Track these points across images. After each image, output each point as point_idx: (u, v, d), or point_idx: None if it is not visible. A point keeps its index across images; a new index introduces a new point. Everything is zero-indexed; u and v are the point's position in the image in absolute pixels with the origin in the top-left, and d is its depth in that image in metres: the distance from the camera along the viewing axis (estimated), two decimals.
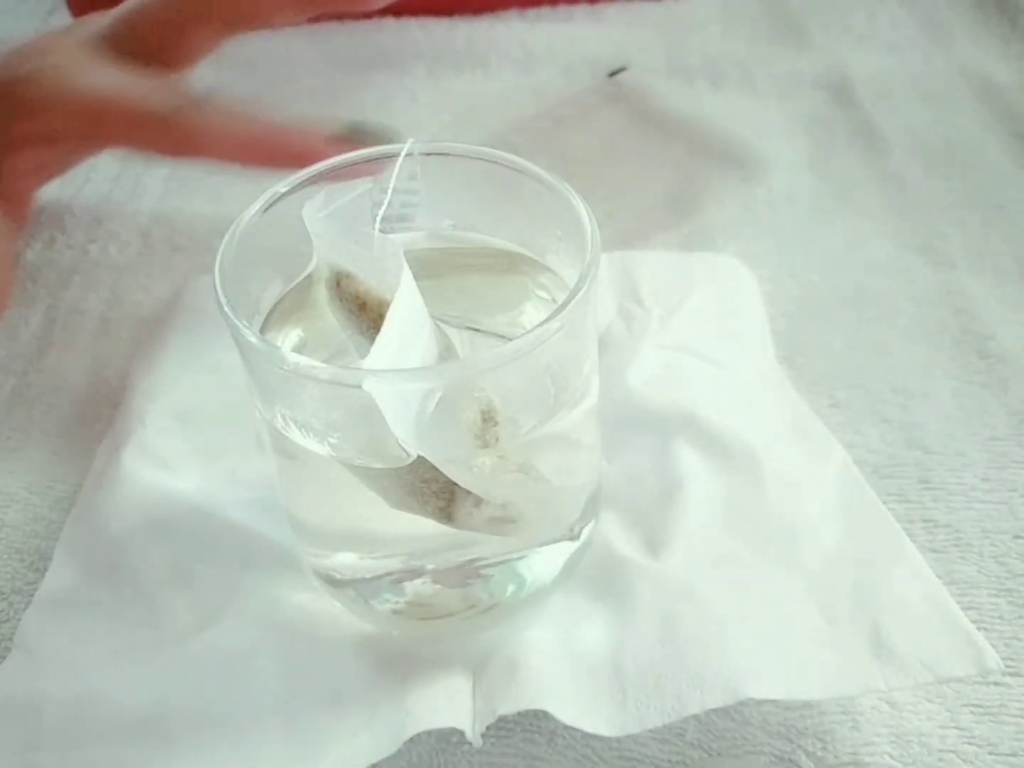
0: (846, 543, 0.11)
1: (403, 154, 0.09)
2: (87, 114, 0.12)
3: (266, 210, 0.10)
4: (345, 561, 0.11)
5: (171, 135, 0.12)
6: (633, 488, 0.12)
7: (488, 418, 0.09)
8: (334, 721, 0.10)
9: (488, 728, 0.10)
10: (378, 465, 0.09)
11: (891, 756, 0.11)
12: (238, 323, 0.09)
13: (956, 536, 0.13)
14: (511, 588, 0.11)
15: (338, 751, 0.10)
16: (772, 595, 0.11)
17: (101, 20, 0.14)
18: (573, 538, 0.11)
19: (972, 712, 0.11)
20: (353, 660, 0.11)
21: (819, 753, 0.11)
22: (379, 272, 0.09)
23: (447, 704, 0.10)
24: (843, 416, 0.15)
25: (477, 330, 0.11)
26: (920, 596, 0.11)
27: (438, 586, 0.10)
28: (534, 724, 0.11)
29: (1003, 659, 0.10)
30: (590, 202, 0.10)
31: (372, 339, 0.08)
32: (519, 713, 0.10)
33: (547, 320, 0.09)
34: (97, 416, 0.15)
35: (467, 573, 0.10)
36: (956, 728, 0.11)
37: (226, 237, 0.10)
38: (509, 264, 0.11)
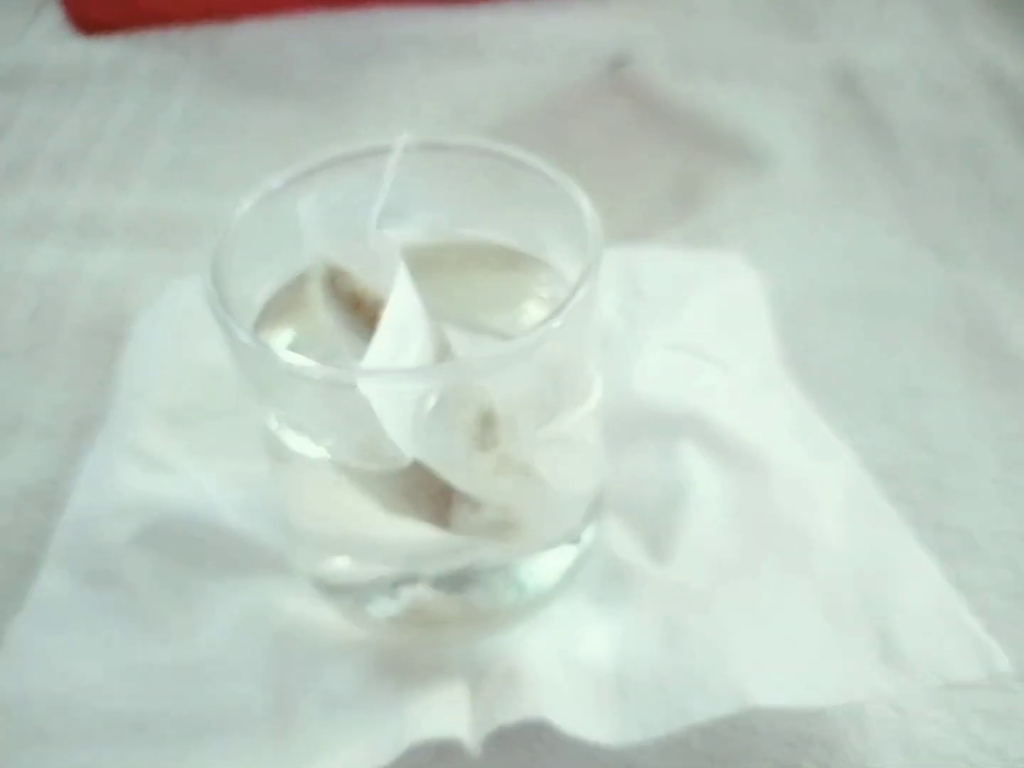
0: (854, 546, 0.11)
1: (399, 148, 0.09)
2: None
3: (259, 205, 0.10)
4: (340, 566, 0.11)
5: None
6: (636, 491, 0.12)
7: (487, 420, 0.09)
8: (330, 730, 0.10)
9: (487, 737, 0.10)
10: (374, 468, 0.09)
11: (899, 764, 0.11)
12: (230, 322, 0.09)
13: (966, 539, 0.13)
14: (511, 594, 0.11)
15: (334, 761, 0.09)
16: (778, 600, 0.11)
17: None
18: (575, 542, 0.11)
19: (981, 718, 0.11)
20: (349, 668, 0.10)
21: (826, 761, 0.11)
22: (375, 270, 0.09)
23: (445, 713, 0.10)
24: (850, 417, 0.15)
25: (476, 329, 0.10)
26: (929, 600, 0.11)
27: (436, 592, 0.10)
28: (534, 734, 0.11)
29: (1013, 664, 0.10)
30: (592, 196, 0.09)
31: (367, 338, 0.08)
32: (519, 723, 0.10)
33: (548, 319, 0.08)
34: (88, 416, 0.15)
35: (465, 578, 0.10)
36: (965, 734, 0.11)
37: (218, 233, 0.09)
38: (509, 261, 0.11)
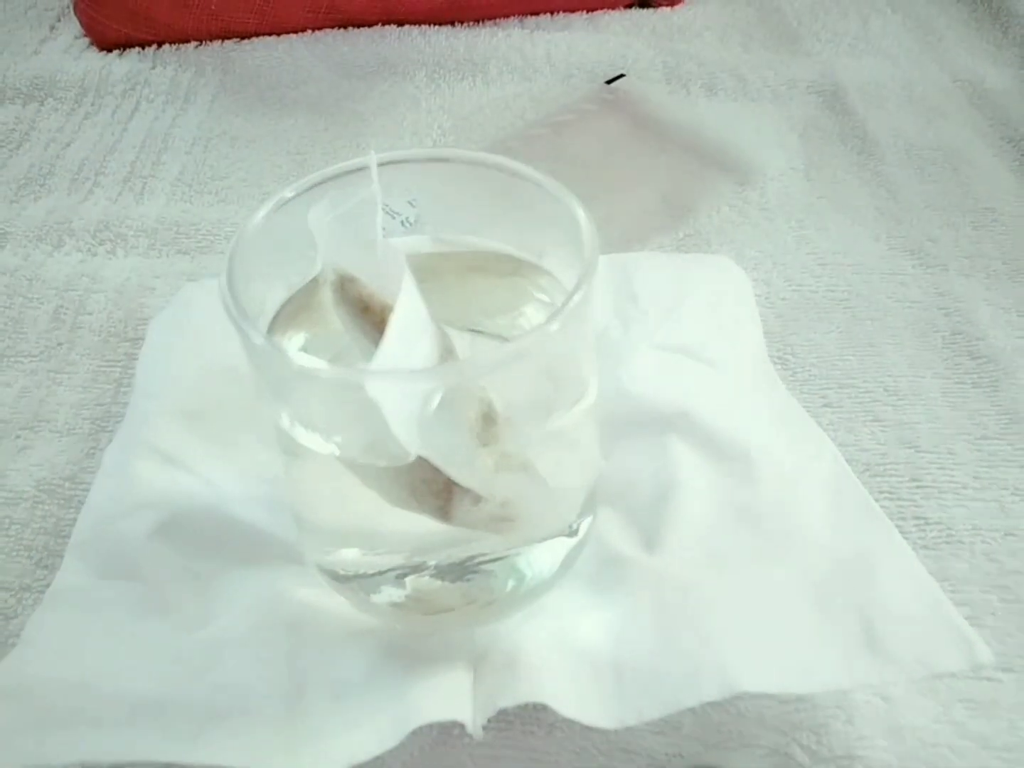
0: (839, 540, 0.12)
1: (374, 165, 0.09)
2: None
3: (272, 214, 0.10)
4: (348, 557, 0.11)
5: None
6: (630, 486, 0.12)
7: (488, 418, 0.09)
8: (337, 714, 0.10)
9: (488, 721, 0.10)
10: (380, 464, 0.09)
11: (884, 750, 0.11)
12: (245, 325, 0.09)
13: (948, 533, 0.13)
14: (510, 583, 0.11)
15: (341, 743, 0.10)
16: (766, 590, 0.11)
17: None
18: (571, 534, 0.11)
19: (965, 707, 0.11)
20: (356, 654, 0.11)
21: (813, 746, 0.11)
22: (382, 277, 0.09)
23: (448, 697, 0.10)
24: (835, 415, 0.15)
25: (478, 332, 0.11)
26: (912, 592, 0.11)
27: (439, 581, 0.11)
28: (533, 717, 0.11)
29: (995, 654, 0.10)
30: (588, 206, 0.10)
31: (375, 341, 0.09)
32: (519, 706, 0.10)
33: (546, 322, 0.09)
34: (105, 415, 0.15)
35: (467, 569, 0.10)
36: (949, 722, 0.11)
37: (232, 240, 0.10)
38: (509, 267, 0.11)
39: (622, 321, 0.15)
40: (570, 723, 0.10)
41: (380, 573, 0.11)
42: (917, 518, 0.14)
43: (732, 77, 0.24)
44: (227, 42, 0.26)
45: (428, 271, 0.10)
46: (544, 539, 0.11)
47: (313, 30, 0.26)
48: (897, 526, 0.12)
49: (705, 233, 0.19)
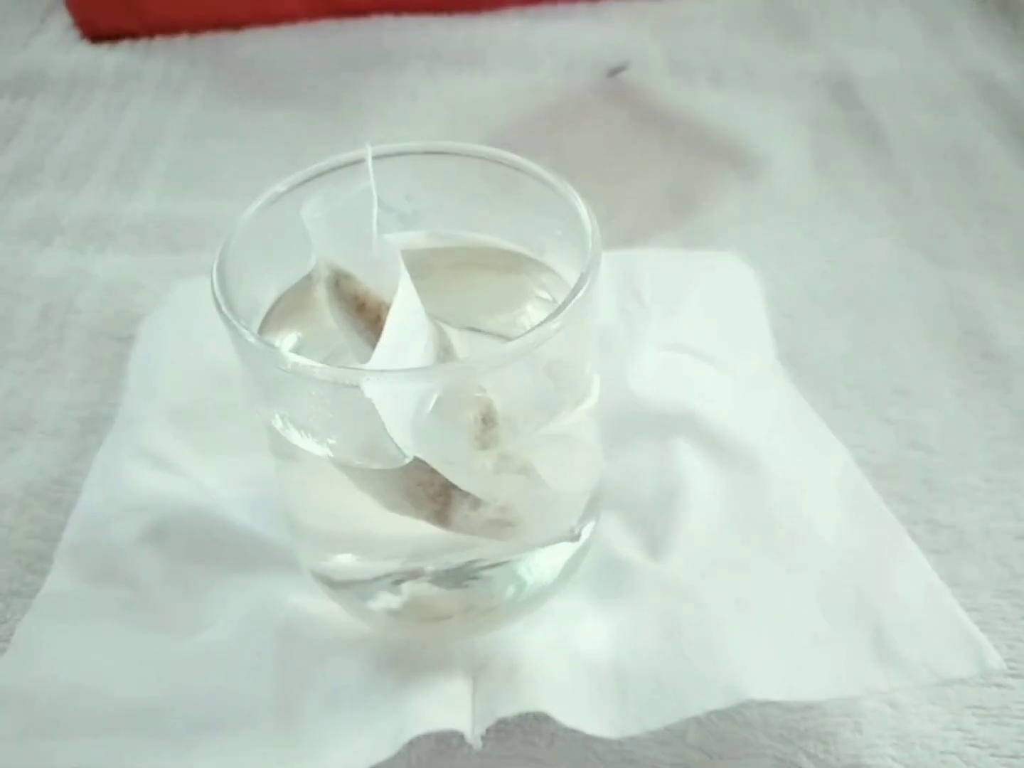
0: (848, 543, 0.11)
1: (370, 158, 0.09)
2: None
3: (264, 209, 0.10)
4: (343, 562, 0.11)
5: None
6: (634, 489, 0.12)
7: (487, 419, 0.09)
8: (333, 723, 0.10)
9: (488, 730, 0.10)
10: (376, 466, 0.09)
11: (893, 758, 0.11)
12: (236, 324, 0.09)
13: (959, 537, 0.13)
14: (511, 590, 0.11)
15: (337, 753, 0.10)
16: (773, 596, 0.11)
17: None
18: (574, 539, 0.11)
19: (974, 714, 0.11)
20: (352, 662, 0.11)
21: (821, 755, 0.11)
22: (378, 273, 0.09)
23: (447, 706, 0.10)
24: (845, 416, 0.15)
25: (477, 330, 0.11)
26: (922, 597, 0.11)
27: (437, 588, 0.10)
28: (534, 726, 0.11)
29: (1006, 660, 0.10)
30: (590, 201, 0.10)
31: (370, 340, 0.08)
32: (519, 715, 0.10)
33: (547, 320, 0.08)
34: (94, 416, 0.15)
35: (466, 574, 0.10)
36: (958, 730, 0.11)
37: (225, 237, 0.10)
38: (509, 264, 0.11)
39: (626, 319, 0.15)
40: (571, 733, 0.10)
41: (376, 579, 0.11)
42: (928, 521, 0.13)
43: (738, 69, 0.23)
44: (220, 33, 0.25)
45: (425, 267, 0.10)
46: (545, 544, 0.11)
47: (308, 20, 0.26)
48: (908, 530, 0.12)
49: (711, 228, 0.18)
